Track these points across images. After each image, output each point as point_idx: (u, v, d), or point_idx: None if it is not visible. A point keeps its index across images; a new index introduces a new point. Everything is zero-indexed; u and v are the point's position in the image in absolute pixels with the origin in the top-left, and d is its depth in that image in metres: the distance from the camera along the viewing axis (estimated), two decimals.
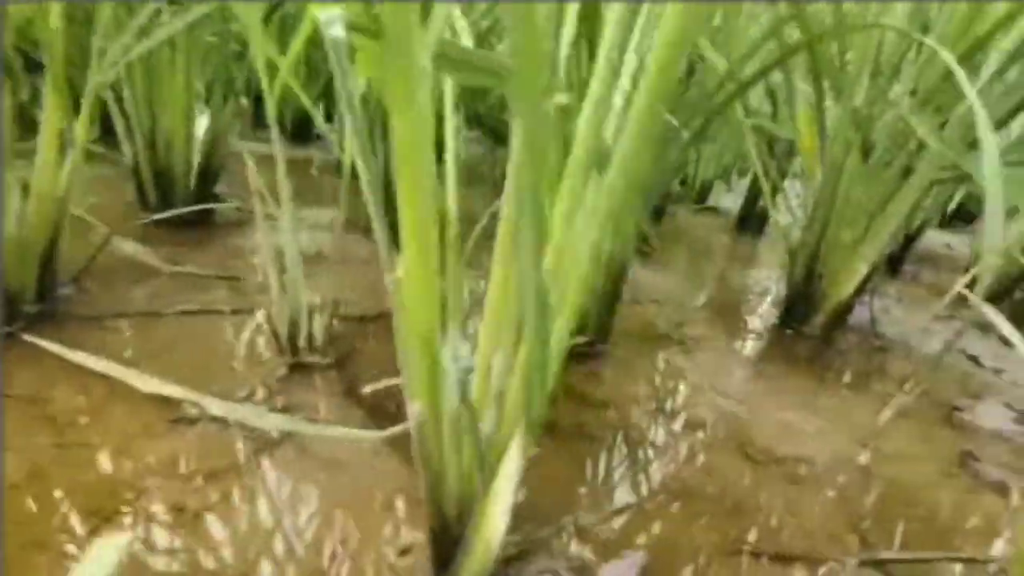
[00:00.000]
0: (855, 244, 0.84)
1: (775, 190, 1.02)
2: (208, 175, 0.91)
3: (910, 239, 1.39)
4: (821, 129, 0.82)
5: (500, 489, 0.29)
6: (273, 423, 0.47)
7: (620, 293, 0.70)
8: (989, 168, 0.31)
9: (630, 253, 0.67)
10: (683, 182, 2.02)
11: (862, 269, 0.85)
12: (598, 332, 0.70)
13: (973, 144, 0.81)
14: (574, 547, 0.42)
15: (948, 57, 0.37)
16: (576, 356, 0.70)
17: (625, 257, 0.67)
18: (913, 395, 0.77)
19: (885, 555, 0.47)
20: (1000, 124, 0.74)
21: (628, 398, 0.66)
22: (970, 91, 0.34)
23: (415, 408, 0.28)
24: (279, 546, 0.38)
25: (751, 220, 1.62)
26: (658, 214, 1.31)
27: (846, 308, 0.89)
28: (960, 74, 0.35)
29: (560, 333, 0.32)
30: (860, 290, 0.88)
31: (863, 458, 0.61)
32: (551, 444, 0.56)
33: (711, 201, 1.91)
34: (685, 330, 0.87)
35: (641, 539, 0.45)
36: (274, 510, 0.41)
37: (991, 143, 0.30)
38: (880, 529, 0.51)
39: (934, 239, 1.81)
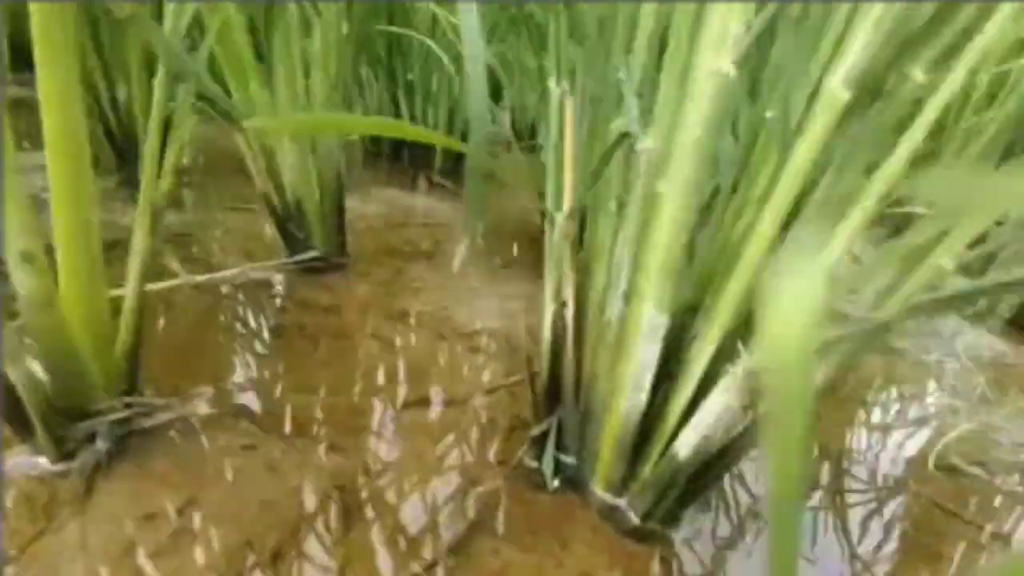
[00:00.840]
0: None
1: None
2: None
3: None
4: None
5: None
6: None
7: (343, 210, 0.76)
8: (468, 48, 0.39)
9: (339, 176, 0.73)
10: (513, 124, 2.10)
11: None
12: (328, 248, 0.76)
13: None
14: (204, 408, 0.49)
15: None
16: (311, 270, 0.77)
17: (335, 179, 0.73)
18: None
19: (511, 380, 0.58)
20: None
21: (354, 302, 0.73)
22: None
23: None
24: None
25: None
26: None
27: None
28: None
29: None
30: None
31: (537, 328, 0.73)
32: (269, 343, 0.62)
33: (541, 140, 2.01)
34: (442, 247, 0.95)
35: (302, 405, 0.53)
36: None
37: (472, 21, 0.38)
38: (522, 369, 0.62)
39: None
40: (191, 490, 0.42)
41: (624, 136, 0.33)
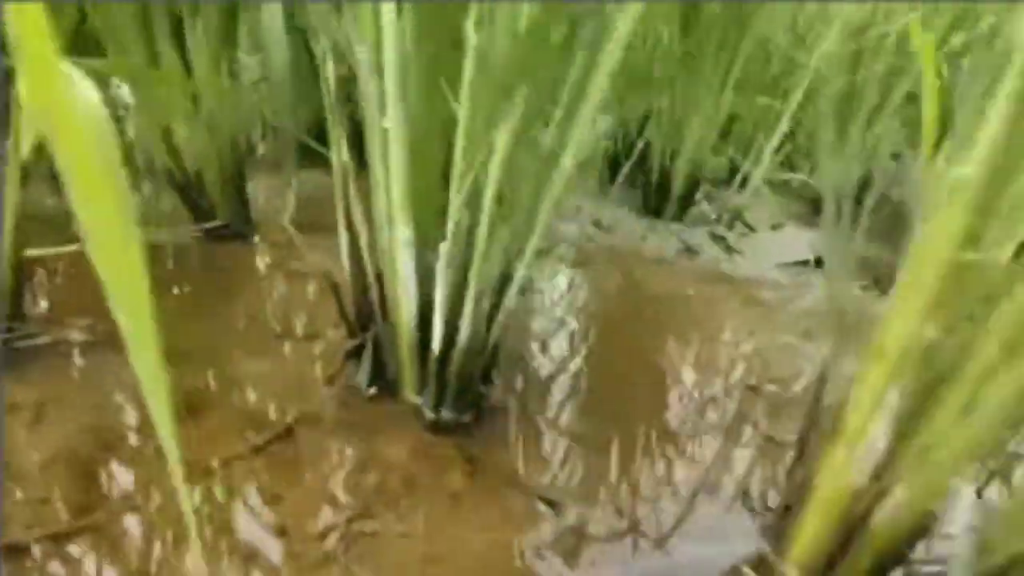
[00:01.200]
0: None
1: None
2: None
3: None
4: None
5: None
6: None
7: (244, 182, 0.86)
8: None
9: (236, 150, 0.82)
10: None
11: None
12: (231, 217, 0.85)
13: None
14: (80, 336, 0.58)
15: None
16: (216, 238, 0.86)
17: (232, 153, 0.82)
18: None
19: None
20: None
21: (247, 262, 0.82)
22: None
23: None
24: None
25: None
26: None
27: None
28: None
29: None
30: None
31: None
32: (159, 293, 0.71)
33: None
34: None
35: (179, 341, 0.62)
36: None
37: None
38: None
39: None
40: (57, 392, 0.51)
41: (344, 76, 0.42)
